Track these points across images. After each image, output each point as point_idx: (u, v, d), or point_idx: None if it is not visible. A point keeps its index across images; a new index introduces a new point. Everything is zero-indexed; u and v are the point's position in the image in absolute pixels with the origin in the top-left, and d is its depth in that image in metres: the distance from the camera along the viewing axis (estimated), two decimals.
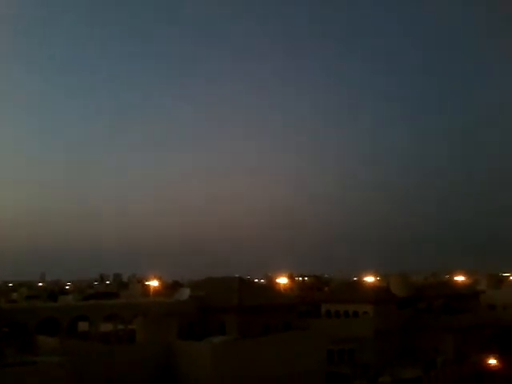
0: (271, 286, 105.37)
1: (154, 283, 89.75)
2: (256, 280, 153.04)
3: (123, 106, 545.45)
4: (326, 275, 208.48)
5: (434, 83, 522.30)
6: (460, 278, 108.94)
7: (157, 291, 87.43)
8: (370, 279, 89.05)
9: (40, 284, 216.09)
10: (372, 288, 77.44)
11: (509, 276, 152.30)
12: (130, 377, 41.52)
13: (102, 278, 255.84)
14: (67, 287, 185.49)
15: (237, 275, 66.93)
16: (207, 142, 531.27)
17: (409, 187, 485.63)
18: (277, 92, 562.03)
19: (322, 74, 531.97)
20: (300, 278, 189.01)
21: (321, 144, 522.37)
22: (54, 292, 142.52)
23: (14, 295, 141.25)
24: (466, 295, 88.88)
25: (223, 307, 52.83)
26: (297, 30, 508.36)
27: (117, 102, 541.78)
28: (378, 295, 71.81)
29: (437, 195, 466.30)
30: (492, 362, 54.44)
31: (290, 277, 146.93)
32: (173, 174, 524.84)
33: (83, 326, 54.90)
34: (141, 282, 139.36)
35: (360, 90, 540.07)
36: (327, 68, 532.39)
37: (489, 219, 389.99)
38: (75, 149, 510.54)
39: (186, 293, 55.37)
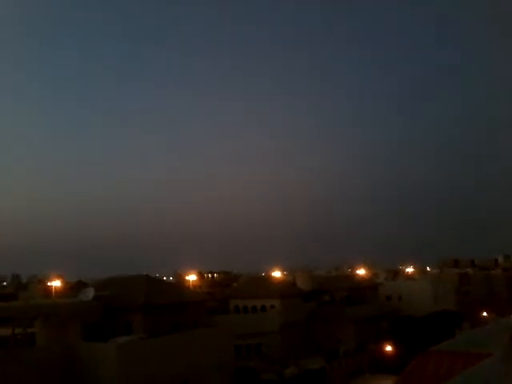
0: (180, 283, 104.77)
1: (56, 283, 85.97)
2: (165, 278, 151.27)
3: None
4: (234, 271, 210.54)
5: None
6: (361, 272, 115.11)
7: (59, 292, 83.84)
8: (276, 274, 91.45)
9: None
10: (279, 283, 79.63)
11: (403, 269, 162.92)
12: (29, 382, 39.63)
13: None
14: None
15: (144, 273, 65.80)
16: None
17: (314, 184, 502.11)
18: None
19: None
20: (209, 275, 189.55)
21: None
22: None
23: None
24: (366, 287, 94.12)
25: (129, 307, 51.80)
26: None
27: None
28: (285, 289, 74.04)
29: (341, 192, 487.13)
30: (388, 348, 58.22)
31: (199, 274, 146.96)
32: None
33: None
34: (42, 282, 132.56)
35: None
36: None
37: (387, 218, 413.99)
38: None
39: (90, 293, 53.57)
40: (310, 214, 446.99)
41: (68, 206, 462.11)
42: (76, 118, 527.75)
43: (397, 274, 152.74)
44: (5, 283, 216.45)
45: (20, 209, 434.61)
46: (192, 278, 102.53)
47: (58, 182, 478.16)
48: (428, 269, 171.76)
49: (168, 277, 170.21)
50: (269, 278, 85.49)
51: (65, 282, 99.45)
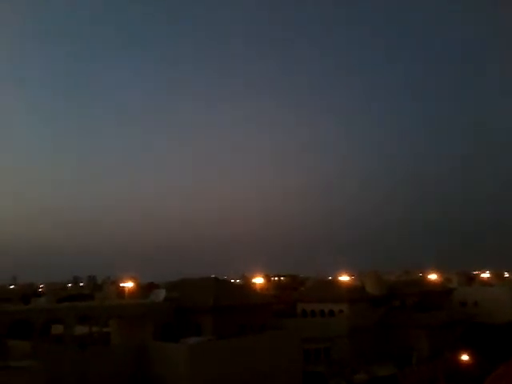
0: (247, 286, 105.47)
1: (128, 285, 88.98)
2: (232, 280, 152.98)
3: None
4: (301, 275, 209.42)
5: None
6: (432, 277, 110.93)
7: (132, 293, 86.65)
8: (344, 278, 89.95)
9: (12, 287, 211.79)
10: (347, 287, 78.23)
11: (479, 274, 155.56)
12: (104, 380, 41.14)
13: (75, 280, 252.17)
14: (40, 289, 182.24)
15: (213, 276, 66.72)
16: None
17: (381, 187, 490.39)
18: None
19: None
20: (276, 278, 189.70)
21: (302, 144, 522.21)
22: (27, 294, 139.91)
23: None
24: (438, 292, 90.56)
25: (199, 308, 52.66)
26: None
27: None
28: (353, 294, 72.62)
29: (409, 195, 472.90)
30: (464, 358, 55.52)
31: (266, 277, 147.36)
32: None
33: (57, 328, 54.10)
34: (115, 283, 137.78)
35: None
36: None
37: (462, 218, 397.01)
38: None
39: (161, 294, 54.99)
40: (379, 217, 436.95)
41: (139, 209, 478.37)
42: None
43: (472, 279, 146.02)
44: (82, 284, 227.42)
45: (97, 213, 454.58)
46: (259, 280, 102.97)
47: (130, 187, 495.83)
48: (506, 275, 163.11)
49: (235, 279, 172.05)
50: (336, 282, 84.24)
51: (137, 284, 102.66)
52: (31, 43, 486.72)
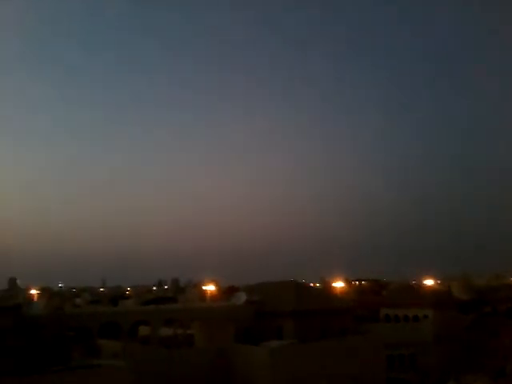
0: (327, 290, 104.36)
1: (210, 288, 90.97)
2: (311, 284, 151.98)
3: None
4: (383, 279, 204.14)
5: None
6: None
7: (213, 296, 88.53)
8: (429, 282, 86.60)
9: (101, 289, 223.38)
10: (432, 291, 75.26)
11: None
12: (188, 380, 42.14)
13: (160, 284, 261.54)
14: (127, 292, 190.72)
15: (292, 279, 66.61)
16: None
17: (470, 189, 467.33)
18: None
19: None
20: (357, 282, 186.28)
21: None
22: (115, 297, 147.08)
23: (78, 300, 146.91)
24: None
25: (279, 312, 52.69)
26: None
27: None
28: (439, 299, 69.74)
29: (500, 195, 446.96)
30: None
31: (347, 281, 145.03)
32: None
33: (144, 330, 56.34)
34: (197, 286, 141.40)
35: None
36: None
37: None
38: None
39: (242, 297, 55.67)
40: (466, 219, 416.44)
41: (218, 213, 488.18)
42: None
43: None
44: (166, 287, 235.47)
45: (180, 217, 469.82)
46: (339, 284, 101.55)
47: (209, 191, 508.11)
48: None
49: (314, 283, 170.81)
50: (421, 287, 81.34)
51: (218, 287, 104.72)
52: None
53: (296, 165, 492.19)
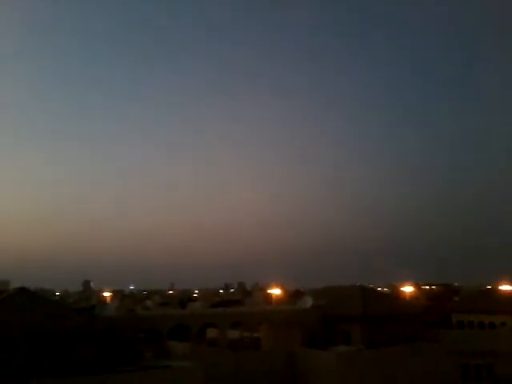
0: (396, 295, 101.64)
1: (276, 291, 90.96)
2: (379, 289, 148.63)
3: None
4: (455, 283, 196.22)
5: None
6: None
7: (279, 299, 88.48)
8: (506, 288, 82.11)
9: (170, 292, 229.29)
10: (510, 297, 71.32)
11: None
12: (255, 383, 42.34)
13: (226, 287, 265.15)
14: (195, 295, 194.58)
15: (359, 283, 65.50)
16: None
17: None
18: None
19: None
20: (427, 287, 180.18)
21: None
22: (183, 300, 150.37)
23: (148, 302, 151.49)
24: None
25: (346, 316, 51.91)
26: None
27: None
28: None
29: None
30: None
31: (416, 286, 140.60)
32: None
33: (211, 332, 57.23)
34: (263, 290, 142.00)
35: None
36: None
37: None
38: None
39: (308, 301, 55.37)
40: None
41: (283, 217, 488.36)
42: None
43: None
44: (232, 290, 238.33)
45: (245, 225, 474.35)
46: (408, 289, 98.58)
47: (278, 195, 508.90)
48: None
49: (382, 287, 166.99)
50: (497, 292, 77.23)
51: (284, 290, 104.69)
52: None
53: (366, 166, 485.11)
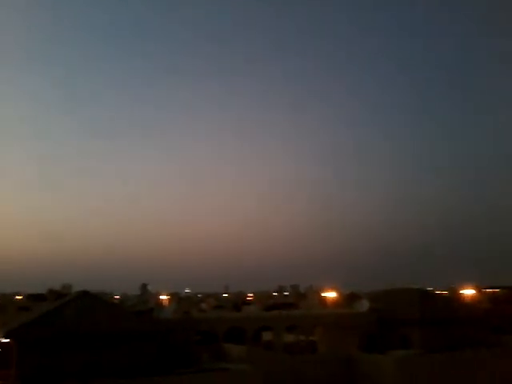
0: (456, 298, 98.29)
1: (331, 294, 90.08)
2: (438, 292, 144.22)
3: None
4: None
5: None
6: None
7: (334, 302, 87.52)
8: None
9: (224, 295, 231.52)
10: None
11: None
12: None
13: (280, 289, 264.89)
14: (249, 298, 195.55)
15: (417, 286, 63.81)
16: None
17: None
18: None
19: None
20: (489, 290, 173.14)
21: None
22: (238, 303, 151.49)
23: (203, 305, 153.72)
24: None
25: (404, 320, 50.70)
26: None
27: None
28: None
29: None
30: None
31: (477, 288, 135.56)
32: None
33: (266, 335, 57.31)
34: (318, 292, 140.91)
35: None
36: None
37: None
38: None
39: (365, 304, 54.48)
40: None
41: (338, 219, 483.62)
42: None
43: None
44: (286, 293, 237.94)
45: (298, 227, 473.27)
46: (469, 292, 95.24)
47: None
48: None
49: (441, 290, 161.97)
50: None
51: (338, 293, 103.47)
52: None
53: (426, 166, 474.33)
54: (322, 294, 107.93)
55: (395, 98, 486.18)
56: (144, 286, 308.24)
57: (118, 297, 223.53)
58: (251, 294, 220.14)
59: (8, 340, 38.54)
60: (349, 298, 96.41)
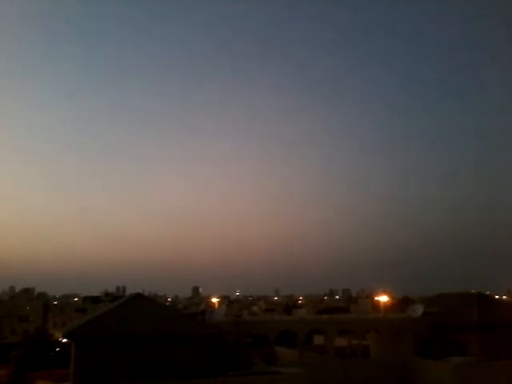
0: None
1: (383, 298, 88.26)
2: (497, 297, 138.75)
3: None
4: None
5: None
6: None
7: (387, 307, 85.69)
8: None
9: (275, 298, 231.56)
10: None
11: None
12: None
13: (331, 293, 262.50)
14: (299, 301, 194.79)
15: (474, 291, 61.53)
16: None
17: None
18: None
19: None
20: None
21: None
22: (288, 306, 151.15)
23: (254, 308, 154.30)
24: None
25: (461, 325, 48.98)
26: None
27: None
28: None
29: None
30: None
31: None
32: None
33: (318, 339, 56.81)
34: (369, 297, 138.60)
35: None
36: None
37: None
38: None
39: (418, 309, 53.02)
40: None
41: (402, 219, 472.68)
42: None
43: None
44: (337, 297, 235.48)
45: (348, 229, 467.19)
46: None
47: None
48: None
49: (500, 295, 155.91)
50: None
51: (391, 297, 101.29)
52: None
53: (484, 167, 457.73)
54: (375, 298, 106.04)
55: None
56: (195, 289, 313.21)
57: (169, 299, 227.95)
58: (301, 298, 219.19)
59: (67, 340, 39.98)
60: (402, 302, 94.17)
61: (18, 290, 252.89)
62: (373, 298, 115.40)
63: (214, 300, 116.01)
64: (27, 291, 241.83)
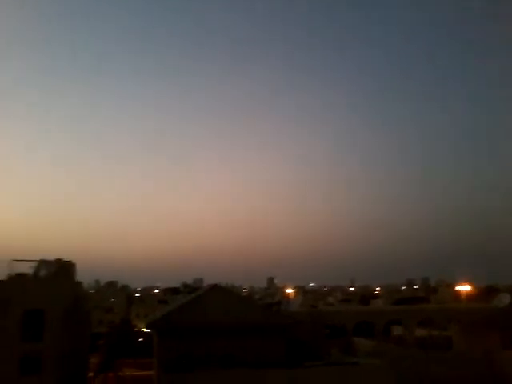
0: None
1: (465, 288, 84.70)
2: None
3: None
4: None
5: None
6: None
7: (469, 297, 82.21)
8: None
9: (351, 289, 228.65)
10: None
11: None
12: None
13: (409, 283, 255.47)
14: (376, 292, 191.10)
15: None
16: None
17: None
18: None
19: None
20: None
21: None
22: (365, 296, 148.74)
23: (330, 299, 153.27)
24: None
25: None
26: None
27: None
28: None
29: None
30: None
31: None
32: None
33: (396, 330, 55.52)
34: (450, 286, 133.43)
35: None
36: None
37: None
38: None
39: (506, 298, 50.39)
40: None
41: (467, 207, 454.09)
42: None
43: None
44: (415, 287, 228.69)
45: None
46: None
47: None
48: None
49: None
50: None
51: (473, 286, 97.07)
52: None
53: None
54: (455, 288, 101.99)
55: None
56: (270, 280, 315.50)
57: (245, 290, 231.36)
58: (378, 288, 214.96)
59: (149, 330, 41.56)
60: (486, 292, 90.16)
61: (102, 283, 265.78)
62: (453, 288, 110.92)
63: (289, 290, 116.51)
64: (111, 284, 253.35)
